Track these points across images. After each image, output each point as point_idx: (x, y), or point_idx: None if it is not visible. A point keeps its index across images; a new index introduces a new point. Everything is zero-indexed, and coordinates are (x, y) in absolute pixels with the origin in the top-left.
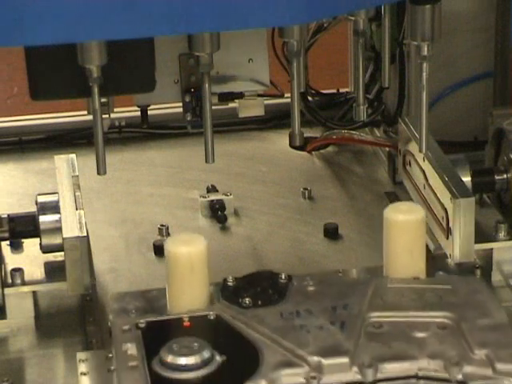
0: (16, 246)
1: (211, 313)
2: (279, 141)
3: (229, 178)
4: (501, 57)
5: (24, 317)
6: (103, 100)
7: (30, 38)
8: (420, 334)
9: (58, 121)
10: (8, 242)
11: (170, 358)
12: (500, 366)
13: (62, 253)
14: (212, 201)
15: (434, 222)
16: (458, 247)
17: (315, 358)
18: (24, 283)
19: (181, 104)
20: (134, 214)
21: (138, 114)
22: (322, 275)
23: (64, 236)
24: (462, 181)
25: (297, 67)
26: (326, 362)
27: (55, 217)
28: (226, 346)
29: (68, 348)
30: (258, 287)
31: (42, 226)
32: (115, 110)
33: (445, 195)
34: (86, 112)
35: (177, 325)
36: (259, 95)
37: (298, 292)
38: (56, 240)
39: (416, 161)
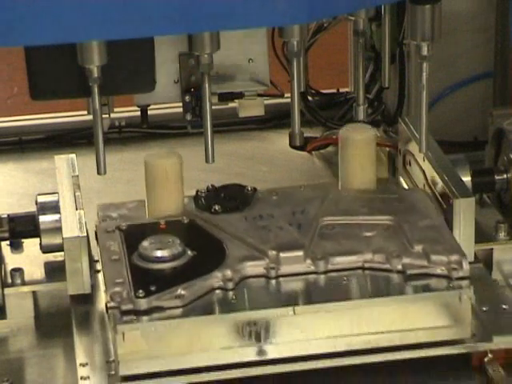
0: (16, 246)
1: (185, 218)
2: (279, 141)
3: (229, 178)
4: (501, 57)
5: (24, 317)
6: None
7: (29, 38)
8: (367, 234)
9: (58, 121)
10: (8, 242)
11: (146, 251)
12: (434, 258)
13: (62, 253)
14: None
15: None
16: None
17: (274, 252)
18: (24, 283)
19: (181, 104)
20: None
21: (138, 113)
22: (284, 188)
23: (64, 236)
24: (462, 181)
25: (297, 67)
26: (283, 255)
27: (55, 217)
28: (196, 244)
29: (68, 348)
30: (227, 197)
31: (42, 226)
32: (115, 109)
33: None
34: (86, 112)
35: (154, 227)
36: (259, 95)
37: (262, 201)
38: (56, 240)
39: (416, 161)
